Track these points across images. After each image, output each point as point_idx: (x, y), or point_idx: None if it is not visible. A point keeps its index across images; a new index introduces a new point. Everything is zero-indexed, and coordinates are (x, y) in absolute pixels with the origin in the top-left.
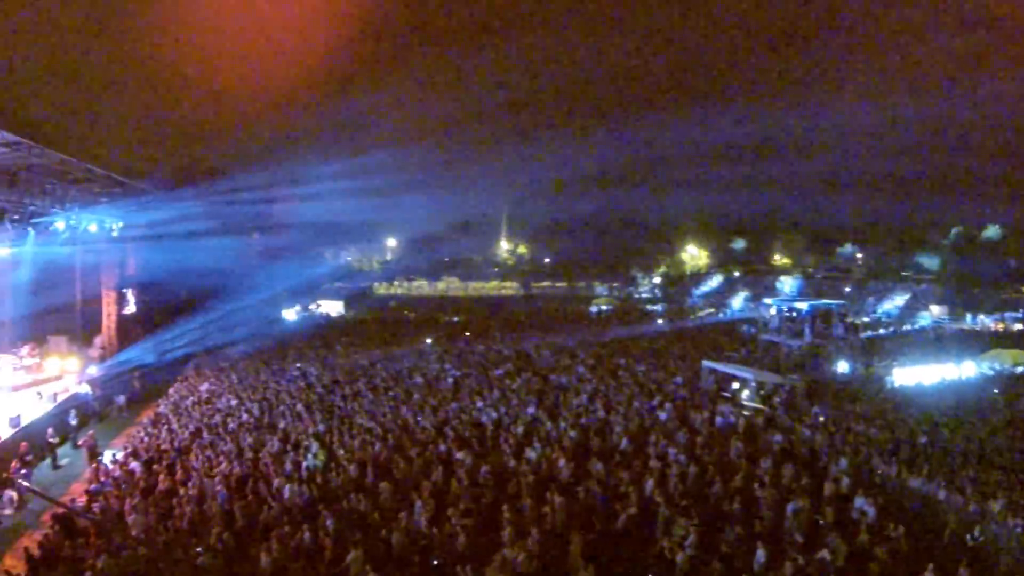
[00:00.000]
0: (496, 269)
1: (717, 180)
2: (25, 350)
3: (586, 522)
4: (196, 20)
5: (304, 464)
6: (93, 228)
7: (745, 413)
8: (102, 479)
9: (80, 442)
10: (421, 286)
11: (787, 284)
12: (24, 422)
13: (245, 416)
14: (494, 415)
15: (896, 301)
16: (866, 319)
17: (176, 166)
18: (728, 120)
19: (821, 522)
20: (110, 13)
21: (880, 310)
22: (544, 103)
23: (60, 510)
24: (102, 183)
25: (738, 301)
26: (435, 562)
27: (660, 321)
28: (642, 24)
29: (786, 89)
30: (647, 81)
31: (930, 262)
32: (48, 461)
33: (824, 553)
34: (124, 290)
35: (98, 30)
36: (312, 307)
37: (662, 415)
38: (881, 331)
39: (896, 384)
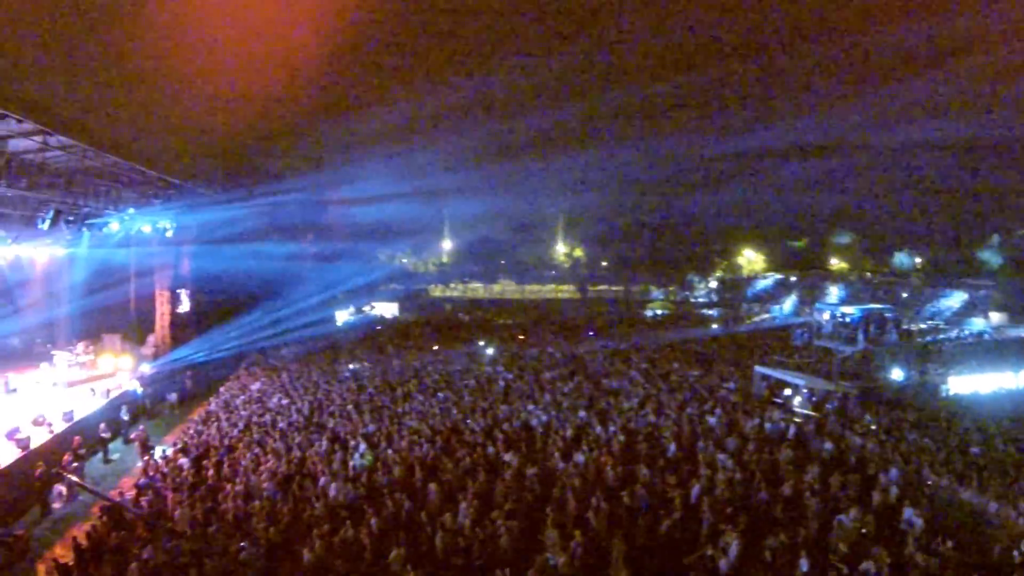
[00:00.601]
0: (553, 272)
1: (775, 183)
2: (80, 347)
3: (629, 527)
4: (250, 24)
5: (351, 463)
6: (147, 229)
7: (796, 420)
8: (151, 473)
9: (132, 436)
10: (476, 288)
11: (840, 289)
12: (77, 417)
13: (295, 415)
14: (544, 418)
15: (952, 302)
16: (923, 325)
17: (230, 169)
18: (787, 123)
19: (865, 531)
20: (162, 18)
21: (937, 316)
22: (601, 104)
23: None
24: (155, 185)
25: (792, 305)
26: (476, 563)
27: (715, 325)
28: (700, 24)
29: (843, 91)
30: (704, 82)
31: (992, 258)
32: (100, 455)
33: (868, 564)
34: (177, 290)
35: (152, 34)
36: (366, 309)
37: (711, 420)
38: (938, 337)
39: (951, 392)
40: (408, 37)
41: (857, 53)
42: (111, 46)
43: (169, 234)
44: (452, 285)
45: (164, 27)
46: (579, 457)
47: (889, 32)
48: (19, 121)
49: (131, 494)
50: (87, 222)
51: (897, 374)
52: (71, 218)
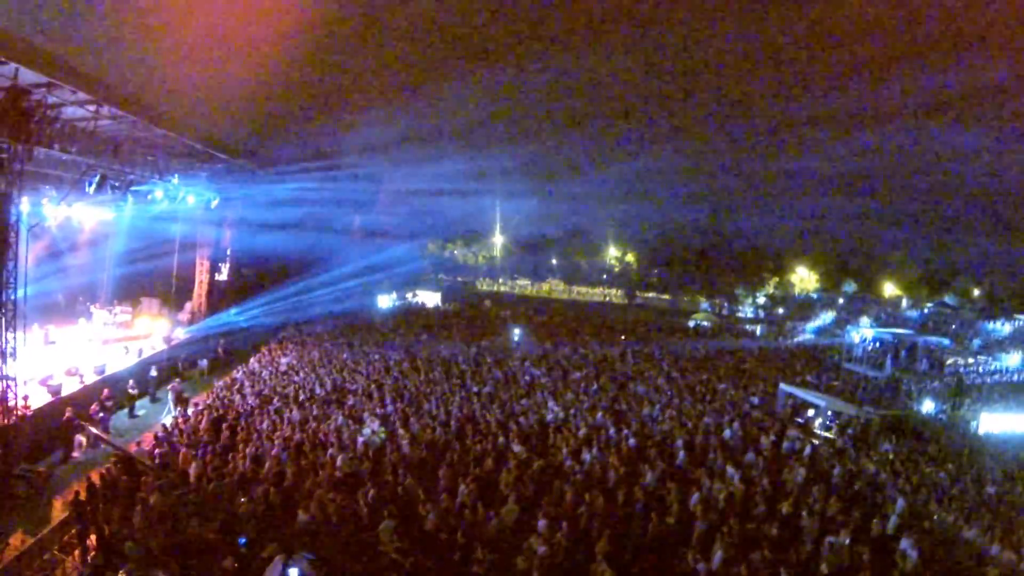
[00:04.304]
0: (604, 275)
1: (834, 204)
2: (119, 308)
3: (621, 526)
4: (309, 9)
5: (361, 439)
6: (191, 200)
7: (813, 441)
8: (171, 429)
9: (170, 387)
10: (524, 285)
11: (887, 314)
12: (108, 371)
13: (318, 390)
14: (561, 416)
15: (1004, 336)
16: (971, 359)
17: (279, 146)
18: (850, 144)
19: (854, 558)
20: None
21: (985, 350)
22: (663, 110)
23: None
24: (202, 158)
25: (836, 328)
26: (462, 542)
27: (755, 341)
28: (758, 39)
29: (909, 114)
30: (764, 98)
31: None
32: (126, 410)
33: None
34: (218, 260)
35: (205, 9)
36: (409, 295)
37: (727, 433)
38: (979, 372)
39: (981, 429)
40: (470, 31)
41: (919, 79)
42: (164, 21)
43: (214, 205)
44: (501, 280)
45: (223, 13)
46: (586, 456)
47: (955, 60)
48: (73, 92)
49: (147, 447)
50: (132, 188)
51: (928, 405)
52: (116, 183)
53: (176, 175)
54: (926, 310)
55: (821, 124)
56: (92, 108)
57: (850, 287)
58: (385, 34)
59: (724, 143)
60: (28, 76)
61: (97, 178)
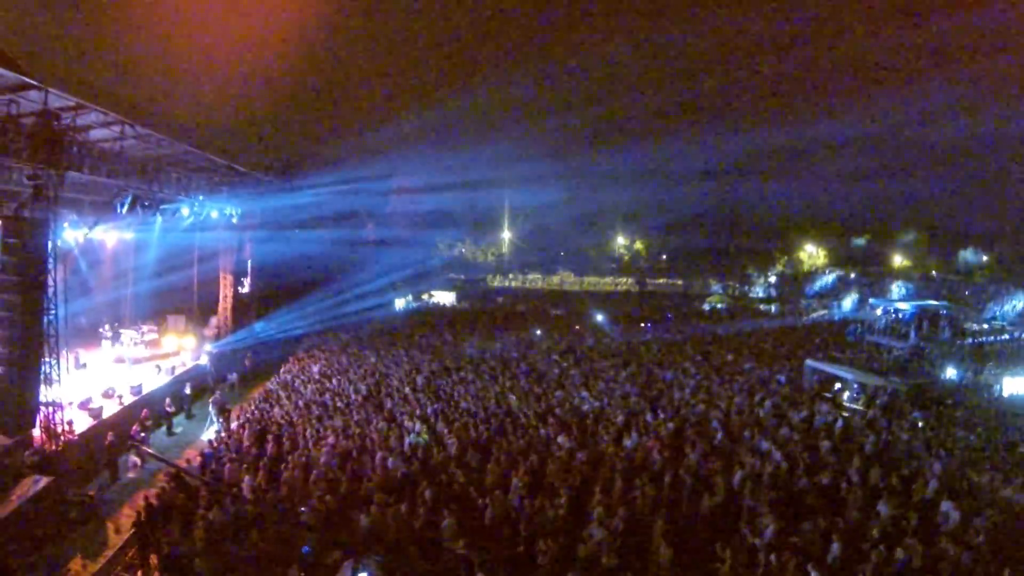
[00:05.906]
0: (612, 264)
1: (839, 178)
2: (145, 327)
3: (672, 507)
4: (315, 18)
5: (408, 440)
6: (214, 215)
7: (844, 414)
8: (216, 444)
9: (211, 399)
10: (535, 279)
11: (900, 286)
12: (145, 391)
13: (353, 396)
14: (596, 405)
15: (1016, 302)
16: (985, 325)
17: (294, 158)
18: (850, 116)
19: (900, 521)
20: (232, 13)
21: (999, 316)
22: (665, 94)
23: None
24: (223, 173)
25: (850, 302)
26: (524, 535)
27: (772, 320)
28: (758, 15)
29: (909, 83)
30: (764, 76)
31: None
32: (164, 428)
33: (899, 553)
34: (240, 273)
35: (222, 32)
36: (425, 296)
37: (760, 411)
38: (997, 337)
39: (1005, 392)
40: (473, 31)
41: (923, 41)
42: (186, 42)
43: (235, 220)
44: (511, 275)
45: (231, 25)
46: (628, 442)
47: (958, 19)
48: (105, 113)
49: (196, 463)
50: (161, 207)
51: (951, 372)
52: (147, 203)
53: (201, 192)
54: (935, 277)
55: (826, 97)
56: (118, 129)
57: (860, 241)
58: (391, 37)
59: (728, 117)
60: (55, 100)
61: (129, 199)
